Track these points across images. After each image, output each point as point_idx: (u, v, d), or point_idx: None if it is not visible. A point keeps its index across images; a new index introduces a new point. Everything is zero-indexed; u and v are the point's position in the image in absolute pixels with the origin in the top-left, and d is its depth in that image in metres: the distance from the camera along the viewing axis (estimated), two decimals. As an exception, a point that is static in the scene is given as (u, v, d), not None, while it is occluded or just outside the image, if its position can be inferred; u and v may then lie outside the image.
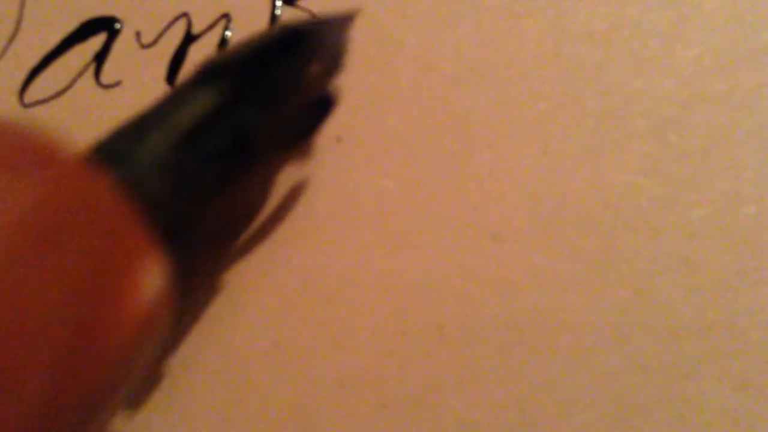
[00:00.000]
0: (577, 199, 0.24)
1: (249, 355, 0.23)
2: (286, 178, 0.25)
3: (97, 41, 0.27)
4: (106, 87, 0.26)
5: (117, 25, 0.27)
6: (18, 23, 0.27)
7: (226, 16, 0.27)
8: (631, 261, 0.23)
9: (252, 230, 0.25)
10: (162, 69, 0.26)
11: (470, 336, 0.23)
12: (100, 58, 0.27)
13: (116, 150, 0.20)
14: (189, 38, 0.27)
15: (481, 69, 0.26)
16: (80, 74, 0.26)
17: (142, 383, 0.23)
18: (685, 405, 0.22)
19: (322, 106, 0.25)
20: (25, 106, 0.26)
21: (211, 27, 0.27)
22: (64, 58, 0.27)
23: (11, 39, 0.27)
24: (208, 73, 0.22)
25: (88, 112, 0.26)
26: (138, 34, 0.27)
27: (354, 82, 0.25)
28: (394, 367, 0.23)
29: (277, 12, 0.27)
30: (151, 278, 0.19)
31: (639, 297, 0.23)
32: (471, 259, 0.24)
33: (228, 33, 0.27)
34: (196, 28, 0.27)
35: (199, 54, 0.26)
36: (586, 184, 0.24)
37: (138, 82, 0.26)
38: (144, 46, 0.27)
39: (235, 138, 0.22)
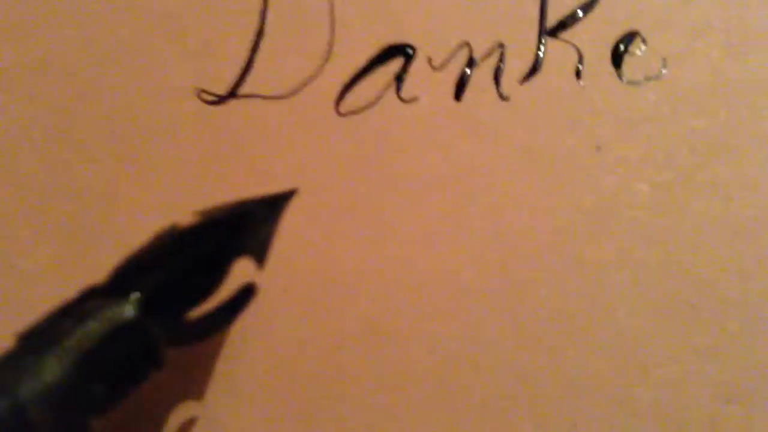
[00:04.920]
0: None
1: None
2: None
3: (396, 64, 0.33)
4: (407, 102, 0.33)
5: (410, 51, 0.33)
6: (329, 47, 0.34)
7: (501, 46, 0.33)
8: None
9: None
10: (450, 87, 0.33)
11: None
12: (400, 77, 0.33)
13: (2, 382, 0.19)
14: (471, 62, 0.33)
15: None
16: (385, 90, 0.33)
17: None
18: None
19: (242, 296, 0.23)
20: (341, 115, 0.33)
21: (488, 54, 0.33)
22: (370, 77, 0.33)
23: (324, 61, 0.34)
24: (121, 281, 0.20)
25: (393, 122, 0.33)
26: (429, 59, 0.33)
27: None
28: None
29: (541, 50, 0.32)
30: None
31: None
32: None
33: (502, 64, 0.33)
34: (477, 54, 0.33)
35: (481, 77, 0.33)
36: None
37: (431, 98, 0.33)
38: (435, 69, 0.33)
39: (142, 351, 0.20)
